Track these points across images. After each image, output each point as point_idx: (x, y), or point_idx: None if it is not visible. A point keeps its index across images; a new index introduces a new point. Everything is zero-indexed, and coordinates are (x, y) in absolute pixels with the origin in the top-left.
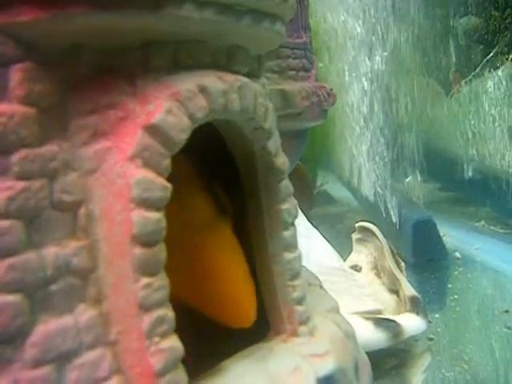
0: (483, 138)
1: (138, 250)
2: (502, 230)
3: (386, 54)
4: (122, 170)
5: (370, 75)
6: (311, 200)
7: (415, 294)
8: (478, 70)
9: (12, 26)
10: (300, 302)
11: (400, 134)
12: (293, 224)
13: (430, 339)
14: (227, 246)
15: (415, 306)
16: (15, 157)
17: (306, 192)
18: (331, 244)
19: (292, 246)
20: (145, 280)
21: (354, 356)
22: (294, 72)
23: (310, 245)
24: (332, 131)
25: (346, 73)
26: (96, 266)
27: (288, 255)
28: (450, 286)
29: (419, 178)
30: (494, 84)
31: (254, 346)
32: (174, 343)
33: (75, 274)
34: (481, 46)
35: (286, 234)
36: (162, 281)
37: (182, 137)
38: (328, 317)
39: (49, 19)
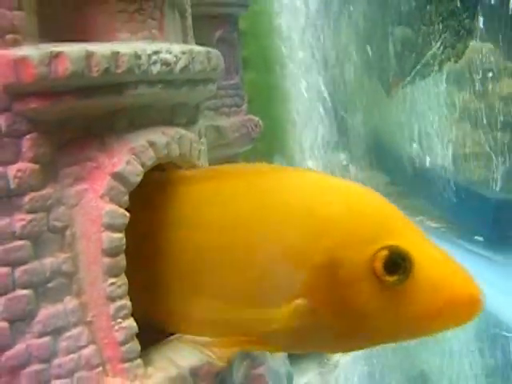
0: (421, 137)
1: (106, 260)
2: (434, 225)
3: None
4: (95, 204)
5: (318, 73)
6: None
7: None
8: (409, 78)
9: (26, 111)
10: None
11: (347, 127)
12: None
13: None
14: None
15: None
16: (26, 198)
17: None
18: None
19: None
20: (111, 280)
21: None
22: (227, 109)
23: None
24: (285, 125)
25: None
26: (78, 271)
27: None
28: None
29: (366, 171)
30: (426, 90)
31: None
32: (131, 323)
33: (64, 276)
34: (413, 55)
35: None
36: (123, 280)
37: (137, 179)
38: None
39: (49, 105)
